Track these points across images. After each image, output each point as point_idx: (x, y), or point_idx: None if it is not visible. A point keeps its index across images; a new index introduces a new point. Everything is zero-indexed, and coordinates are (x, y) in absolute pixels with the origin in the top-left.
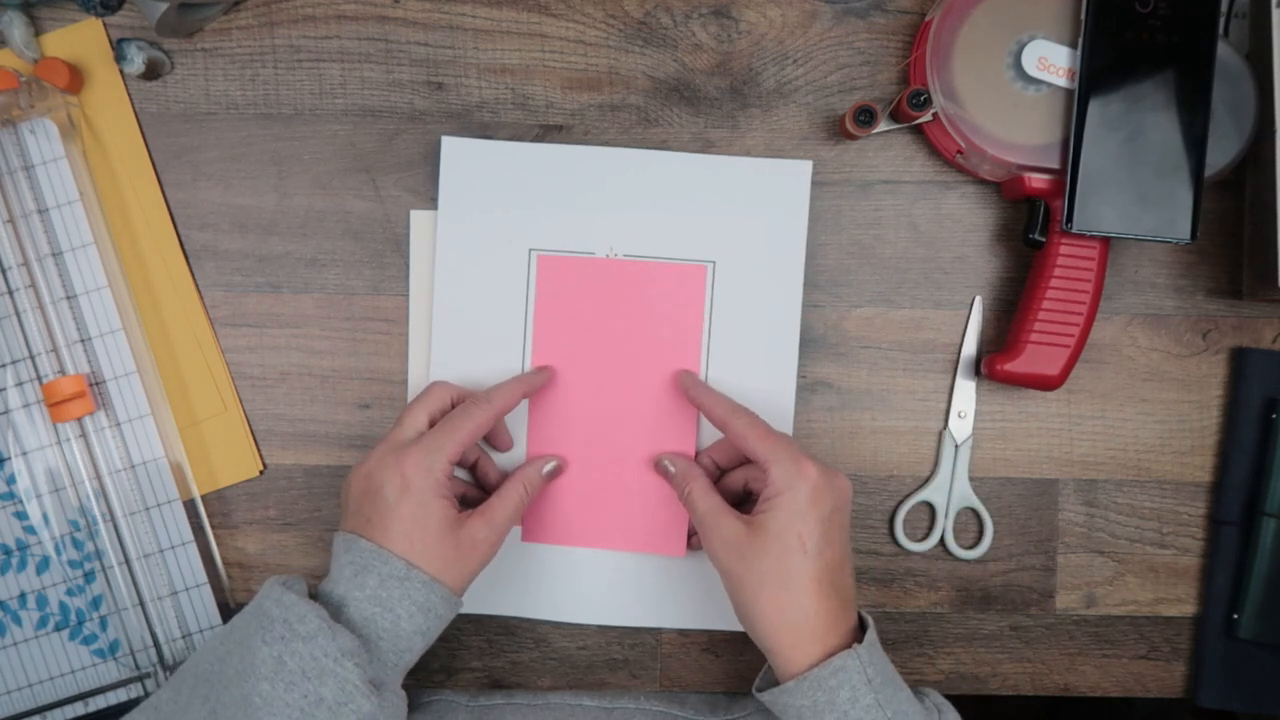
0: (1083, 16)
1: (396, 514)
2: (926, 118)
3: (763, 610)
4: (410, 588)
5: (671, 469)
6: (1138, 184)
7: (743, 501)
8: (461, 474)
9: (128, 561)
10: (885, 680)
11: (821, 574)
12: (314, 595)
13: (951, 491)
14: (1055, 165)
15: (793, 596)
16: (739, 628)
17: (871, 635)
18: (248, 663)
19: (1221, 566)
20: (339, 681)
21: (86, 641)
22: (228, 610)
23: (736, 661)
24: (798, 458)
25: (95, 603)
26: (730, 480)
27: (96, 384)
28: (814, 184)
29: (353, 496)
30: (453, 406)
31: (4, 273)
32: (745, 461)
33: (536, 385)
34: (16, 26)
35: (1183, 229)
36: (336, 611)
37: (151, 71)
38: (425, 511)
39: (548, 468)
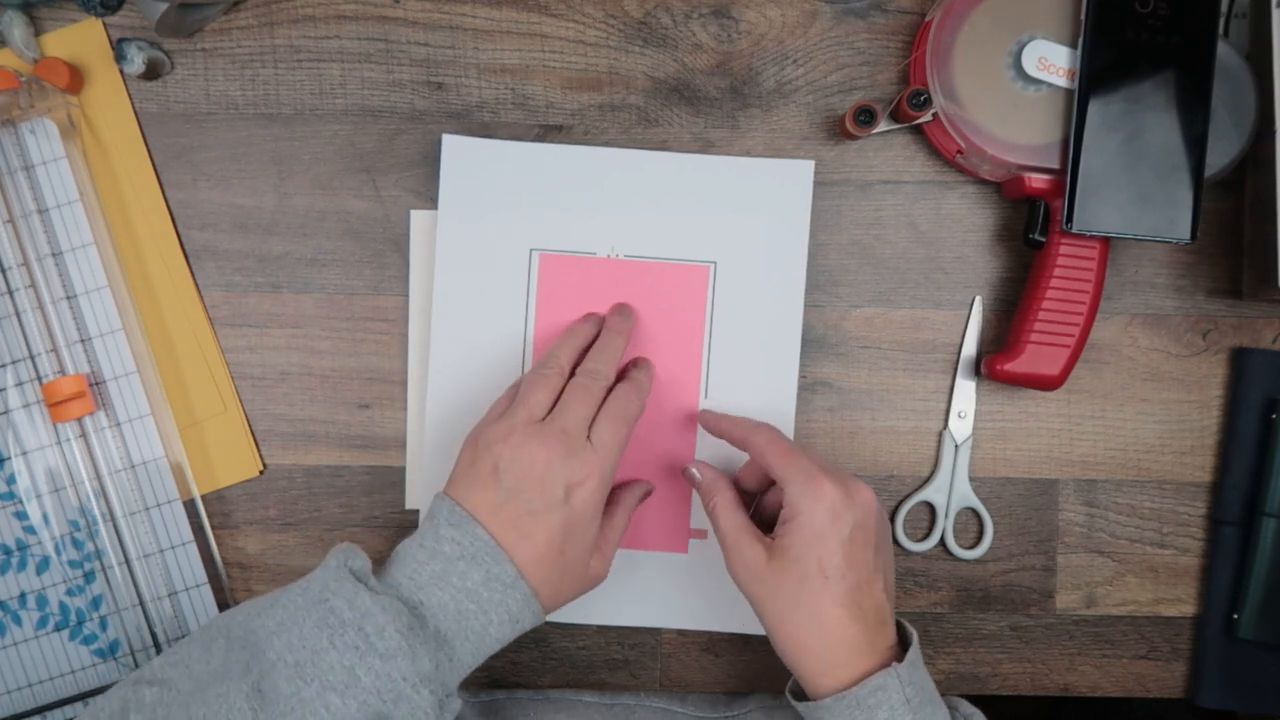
0: (1083, 16)
1: (545, 521)
2: (926, 118)
3: (787, 637)
4: (510, 596)
5: (698, 477)
6: (1138, 184)
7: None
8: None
9: (128, 561)
10: (924, 699)
11: (845, 598)
12: (385, 562)
13: (951, 491)
14: (1055, 165)
15: (816, 623)
16: (739, 628)
17: (914, 653)
18: (307, 660)
19: (1221, 566)
20: (412, 707)
21: (86, 641)
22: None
23: (736, 661)
24: (814, 476)
25: (95, 603)
26: (768, 500)
27: (96, 384)
28: (814, 184)
29: (503, 470)
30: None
31: (4, 273)
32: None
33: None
34: (16, 26)
35: (1183, 229)
36: (422, 587)
37: (151, 71)
38: (581, 533)
39: (642, 489)
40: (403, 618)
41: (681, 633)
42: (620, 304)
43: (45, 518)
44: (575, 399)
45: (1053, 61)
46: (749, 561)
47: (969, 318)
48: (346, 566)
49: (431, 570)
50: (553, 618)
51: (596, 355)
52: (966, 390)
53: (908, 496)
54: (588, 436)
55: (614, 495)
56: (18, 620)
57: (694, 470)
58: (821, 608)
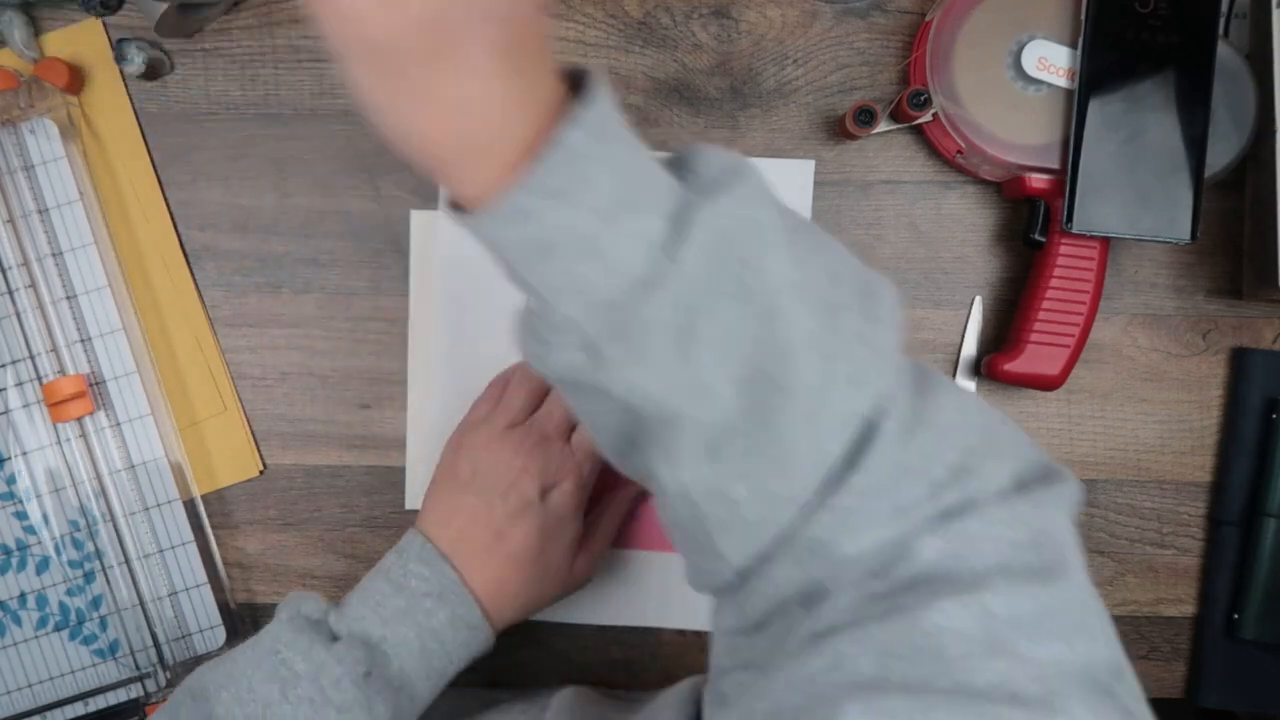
0: (1083, 16)
1: (523, 523)
2: (926, 118)
3: (426, 129)
4: (474, 638)
5: None
6: (1138, 184)
7: None
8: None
9: (128, 561)
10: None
11: (498, 42)
12: (347, 594)
13: None
14: (1055, 165)
15: (467, 83)
16: None
17: (589, 116)
18: (258, 713)
19: (1221, 566)
20: None
21: (86, 641)
22: (228, 610)
23: None
24: None
25: (95, 603)
26: None
27: (96, 384)
28: (814, 184)
29: (481, 475)
30: None
31: (4, 273)
32: None
33: None
34: (16, 26)
35: (1183, 229)
36: (387, 622)
37: (151, 71)
38: (559, 534)
39: (635, 493)
40: (359, 667)
41: (681, 633)
42: None
43: (45, 518)
44: (555, 402)
45: (1053, 61)
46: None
47: (969, 318)
48: (300, 615)
49: (396, 605)
50: (553, 617)
51: None
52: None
53: None
54: (569, 438)
55: (607, 497)
56: (18, 620)
57: None
58: (473, 61)
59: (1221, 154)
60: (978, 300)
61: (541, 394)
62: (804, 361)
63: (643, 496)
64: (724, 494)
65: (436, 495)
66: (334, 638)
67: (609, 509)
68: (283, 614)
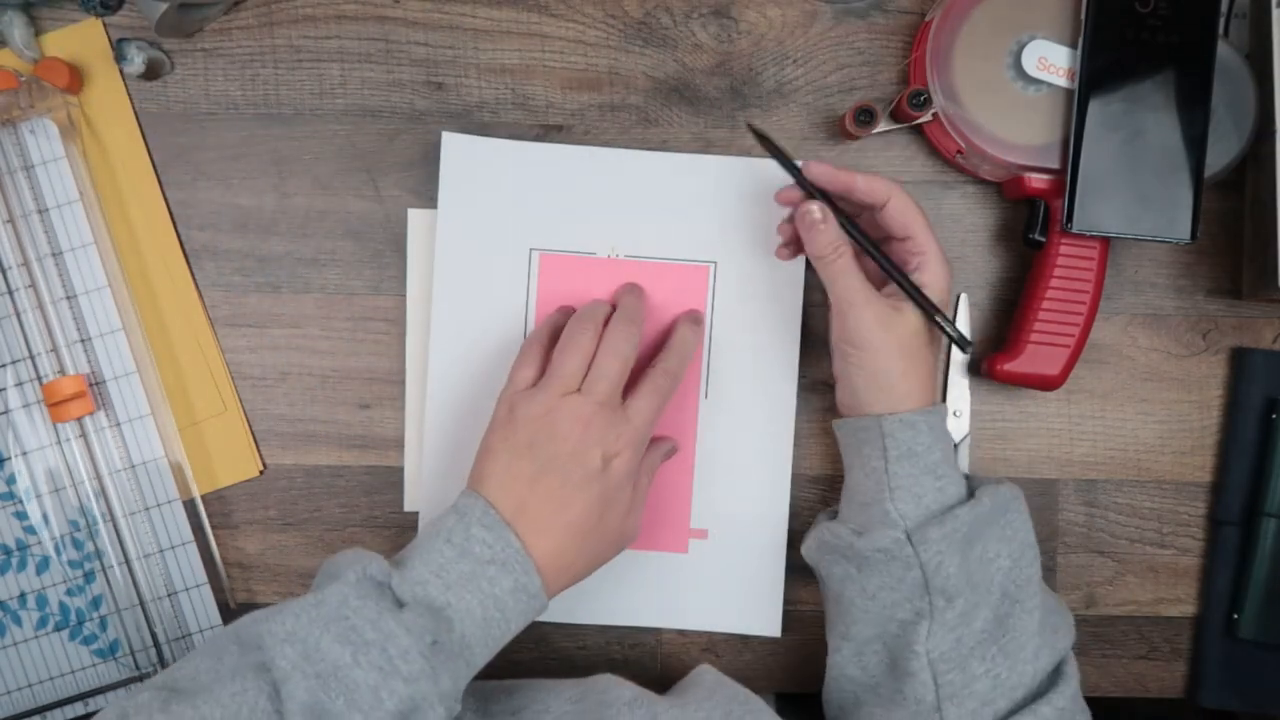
0: (1083, 16)
1: (584, 493)
2: (926, 118)
3: (897, 375)
4: (531, 606)
5: (820, 221)
6: (1138, 184)
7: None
8: None
9: (128, 561)
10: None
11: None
12: (404, 553)
13: None
14: (1055, 165)
15: (918, 367)
16: (739, 628)
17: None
18: (329, 672)
19: (1221, 566)
20: (423, 718)
21: (86, 641)
22: (228, 610)
23: (736, 661)
24: (940, 252)
25: (95, 603)
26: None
27: (96, 384)
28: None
29: (540, 445)
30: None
31: (4, 273)
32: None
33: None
34: (16, 26)
35: (1183, 229)
36: (450, 587)
37: (151, 71)
38: (617, 499)
39: (666, 448)
40: (426, 636)
41: (681, 633)
42: (628, 283)
43: (45, 518)
44: (607, 363)
45: (1053, 61)
46: (880, 314)
47: (954, 315)
48: (367, 576)
49: (460, 570)
50: (552, 618)
51: (623, 312)
52: (961, 388)
53: None
54: (624, 400)
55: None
56: (18, 620)
57: (815, 211)
58: (925, 365)
59: (1221, 154)
60: (964, 297)
61: (592, 354)
62: (1035, 593)
63: (672, 452)
64: (964, 668)
65: (494, 460)
66: (399, 603)
67: (643, 465)
68: (350, 574)
